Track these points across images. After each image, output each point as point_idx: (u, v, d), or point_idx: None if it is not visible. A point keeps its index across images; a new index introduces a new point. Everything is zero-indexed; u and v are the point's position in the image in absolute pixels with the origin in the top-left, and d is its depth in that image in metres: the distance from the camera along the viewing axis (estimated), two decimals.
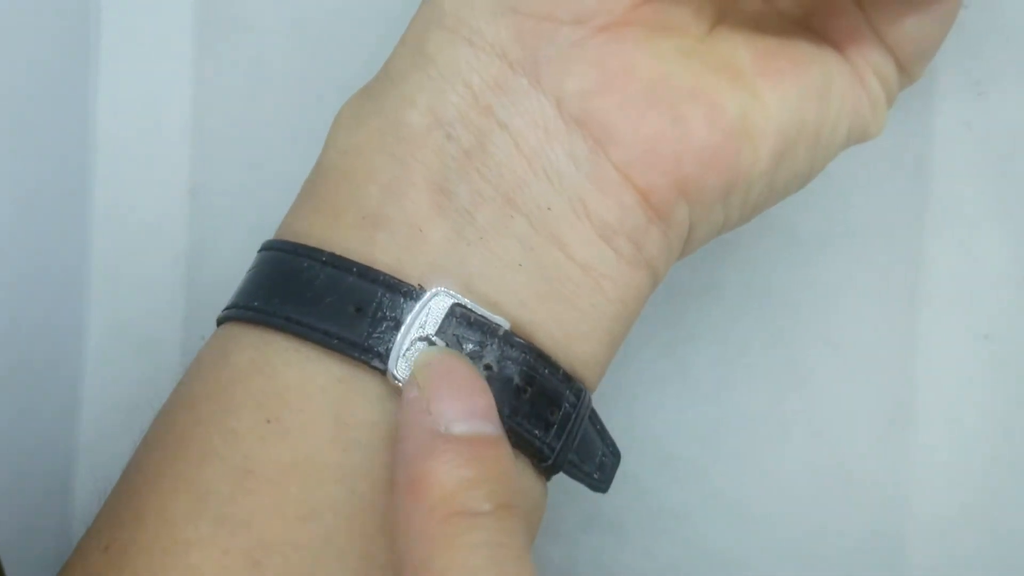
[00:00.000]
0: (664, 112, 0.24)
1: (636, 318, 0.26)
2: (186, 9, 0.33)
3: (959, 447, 0.33)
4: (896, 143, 0.32)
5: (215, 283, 0.33)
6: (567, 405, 0.24)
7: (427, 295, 0.23)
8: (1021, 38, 0.32)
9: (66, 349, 0.33)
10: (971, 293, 0.33)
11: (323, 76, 0.33)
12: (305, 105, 0.33)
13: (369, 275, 0.23)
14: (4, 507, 0.31)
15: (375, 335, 0.23)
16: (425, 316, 0.23)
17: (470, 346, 0.23)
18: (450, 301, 0.23)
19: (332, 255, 0.24)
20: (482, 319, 0.23)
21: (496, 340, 0.23)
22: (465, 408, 0.21)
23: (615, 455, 0.27)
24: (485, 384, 0.22)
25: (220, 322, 0.25)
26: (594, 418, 0.26)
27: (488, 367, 0.23)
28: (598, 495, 0.27)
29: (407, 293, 0.23)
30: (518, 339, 0.24)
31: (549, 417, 0.24)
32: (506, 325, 0.24)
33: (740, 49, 0.26)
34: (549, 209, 0.24)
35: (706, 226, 0.26)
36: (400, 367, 0.23)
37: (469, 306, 0.23)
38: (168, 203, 0.33)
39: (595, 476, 0.26)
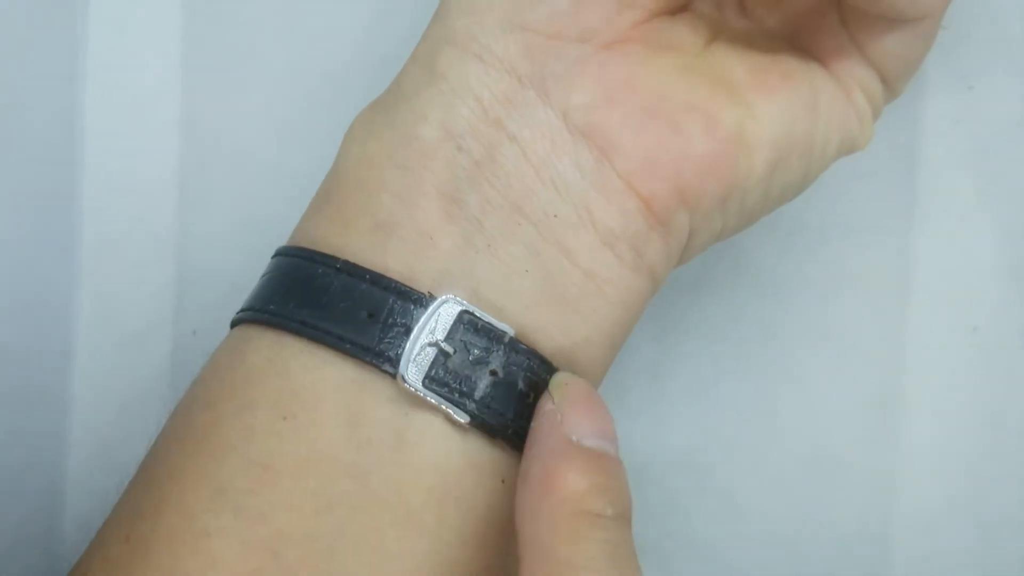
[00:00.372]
0: (664, 123, 0.26)
1: (635, 322, 0.27)
2: (175, 6, 0.33)
3: (947, 439, 0.33)
4: (885, 138, 0.32)
5: (204, 277, 0.33)
6: None
7: (436, 302, 0.24)
8: (1008, 33, 0.32)
9: (56, 348, 0.32)
10: (960, 286, 0.33)
11: (312, 68, 0.33)
12: (294, 98, 0.33)
13: (381, 282, 0.24)
14: None
15: (386, 340, 0.24)
16: (434, 323, 0.24)
17: (477, 352, 0.24)
18: (458, 308, 0.24)
19: (346, 262, 0.25)
20: (489, 326, 0.25)
21: (502, 346, 0.25)
22: (596, 428, 0.23)
23: None
24: (609, 411, 0.24)
25: (235, 323, 0.26)
26: None
27: (493, 372, 0.24)
28: None
29: (417, 300, 0.24)
30: (523, 345, 0.25)
31: None
32: (511, 332, 0.25)
33: (734, 65, 0.27)
34: (555, 216, 0.25)
35: (705, 233, 0.27)
36: (411, 372, 0.24)
37: (476, 313, 0.24)
38: (157, 196, 0.33)
39: None
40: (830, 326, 0.33)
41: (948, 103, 0.33)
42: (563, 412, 0.24)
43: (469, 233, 0.25)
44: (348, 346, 0.24)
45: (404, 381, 0.24)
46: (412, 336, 0.24)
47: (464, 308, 0.24)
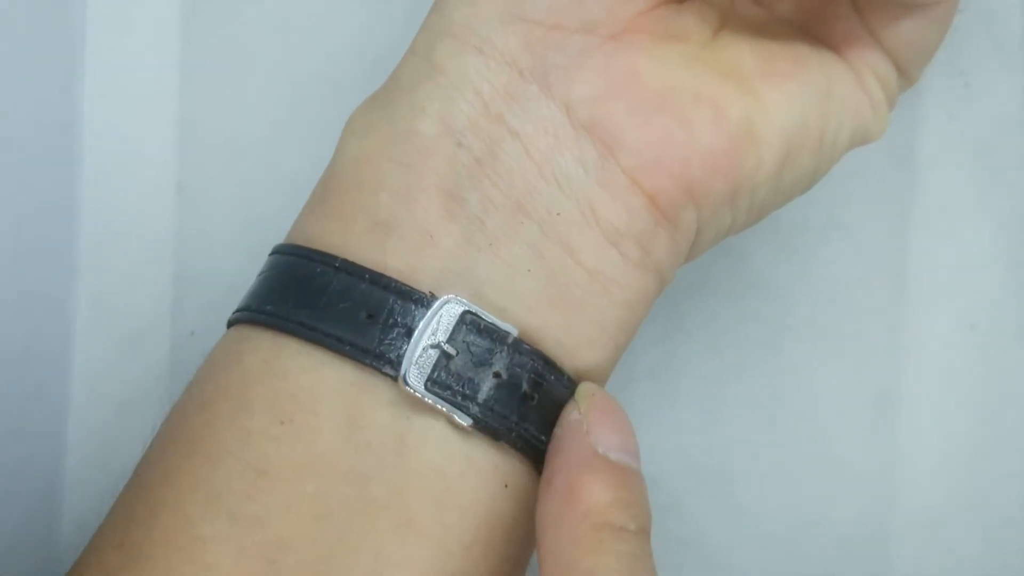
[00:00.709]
0: (670, 117, 0.25)
1: (642, 322, 0.26)
2: (173, 6, 0.33)
3: (945, 437, 0.33)
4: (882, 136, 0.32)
5: (203, 278, 0.33)
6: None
7: (438, 303, 0.24)
8: (1005, 29, 0.32)
9: (54, 348, 0.32)
10: (957, 283, 0.33)
11: (311, 68, 0.33)
12: (292, 99, 0.33)
13: (381, 282, 0.24)
14: None
15: (386, 341, 0.24)
16: (436, 324, 0.24)
17: (480, 353, 0.24)
18: (460, 309, 0.24)
19: (345, 261, 0.24)
20: (491, 326, 0.24)
21: (505, 348, 0.24)
22: (621, 442, 0.24)
23: None
24: (632, 426, 0.24)
25: (231, 323, 0.26)
26: None
27: (497, 374, 0.24)
28: None
29: (418, 300, 0.24)
30: (526, 346, 0.24)
31: (555, 423, 0.24)
32: (514, 332, 0.24)
33: (743, 54, 0.26)
34: (559, 214, 0.25)
35: (713, 229, 0.26)
36: (413, 375, 0.23)
37: (479, 313, 0.24)
38: (155, 198, 0.33)
39: None
40: (829, 325, 0.33)
41: (945, 100, 0.33)
42: (589, 423, 0.24)
43: (470, 232, 0.24)
44: (347, 348, 0.24)
45: (406, 384, 0.23)
46: (414, 338, 0.24)
47: (467, 308, 0.24)
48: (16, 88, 0.31)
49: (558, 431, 0.24)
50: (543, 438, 0.24)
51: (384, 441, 0.23)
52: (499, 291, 0.24)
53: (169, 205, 0.33)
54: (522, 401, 0.24)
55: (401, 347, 0.24)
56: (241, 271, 0.29)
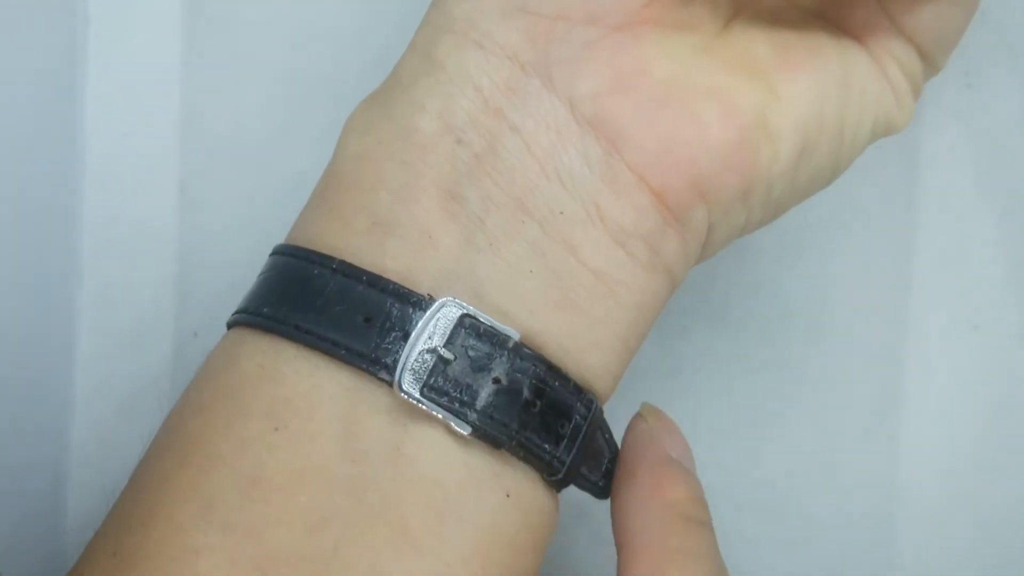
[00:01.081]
0: (679, 112, 0.24)
1: (651, 325, 0.25)
2: (175, 5, 0.33)
3: (949, 437, 0.33)
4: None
5: (206, 280, 0.33)
6: (578, 418, 0.24)
7: (435, 305, 0.23)
8: (1009, 29, 0.32)
9: (57, 347, 0.32)
10: (961, 284, 0.33)
11: (313, 72, 0.33)
12: (295, 101, 0.33)
13: (379, 284, 0.23)
14: None
15: (383, 346, 0.23)
16: (433, 327, 0.23)
17: (479, 358, 0.23)
18: (459, 311, 0.23)
19: (343, 263, 0.24)
20: (492, 330, 0.23)
21: (506, 352, 0.23)
22: (685, 454, 0.27)
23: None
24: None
25: (230, 326, 0.25)
26: (603, 427, 0.25)
27: (497, 380, 0.23)
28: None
29: (416, 303, 0.23)
30: (528, 351, 0.23)
31: (559, 430, 0.24)
32: (516, 336, 0.23)
33: (756, 43, 0.25)
34: (562, 213, 0.24)
35: (726, 227, 0.25)
36: (408, 380, 0.23)
37: (478, 316, 0.23)
38: (158, 200, 0.33)
39: (600, 484, 0.26)
40: (832, 324, 0.33)
41: (949, 99, 0.33)
42: (659, 433, 0.26)
43: (470, 231, 0.24)
44: (343, 352, 0.23)
45: (401, 390, 0.23)
46: (410, 342, 0.23)
47: (465, 311, 0.23)
48: (19, 88, 0.32)
49: (627, 436, 0.26)
50: (547, 446, 0.24)
51: (380, 450, 0.23)
52: (500, 293, 0.24)
53: (172, 204, 0.33)
54: (523, 408, 0.23)
55: (398, 351, 0.23)
56: (244, 270, 0.28)
